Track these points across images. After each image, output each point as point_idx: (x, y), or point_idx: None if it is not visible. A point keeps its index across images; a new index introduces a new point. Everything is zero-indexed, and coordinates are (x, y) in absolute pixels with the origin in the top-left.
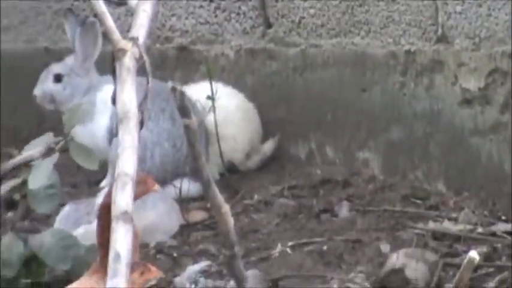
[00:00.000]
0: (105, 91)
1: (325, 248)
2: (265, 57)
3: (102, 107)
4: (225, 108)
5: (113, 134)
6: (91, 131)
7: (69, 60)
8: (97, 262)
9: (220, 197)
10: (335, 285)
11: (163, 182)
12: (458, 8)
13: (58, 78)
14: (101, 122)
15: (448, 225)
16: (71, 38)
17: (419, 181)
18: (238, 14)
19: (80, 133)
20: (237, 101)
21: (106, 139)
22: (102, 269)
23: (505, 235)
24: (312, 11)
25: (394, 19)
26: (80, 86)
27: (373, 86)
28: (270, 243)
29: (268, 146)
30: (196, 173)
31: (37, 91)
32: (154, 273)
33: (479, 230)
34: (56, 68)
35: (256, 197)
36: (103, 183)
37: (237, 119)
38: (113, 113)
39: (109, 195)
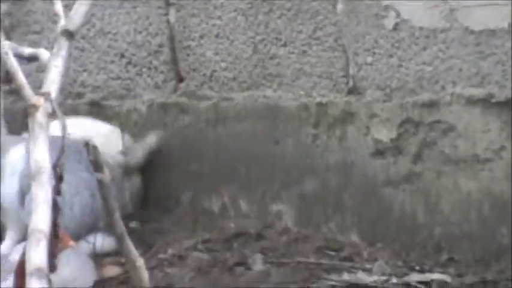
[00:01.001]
0: (13, 153)
1: None
2: (177, 111)
3: (10, 169)
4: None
5: (23, 196)
6: (1, 194)
7: None
8: None
9: (134, 251)
10: None
11: (79, 236)
12: (369, 59)
13: None
14: (11, 185)
15: (362, 277)
16: None
17: (332, 232)
18: (149, 68)
19: None
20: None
21: (17, 202)
22: None
23: (419, 285)
24: (223, 64)
25: (306, 71)
26: None
27: (286, 138)
28: None
29: (151, 139)
30: (110, 228)
31: None
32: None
33: (394, 280)
34: None
35: (170, 251)
36: (2, 247)
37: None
38: (22, 175)
39: (24, 254)
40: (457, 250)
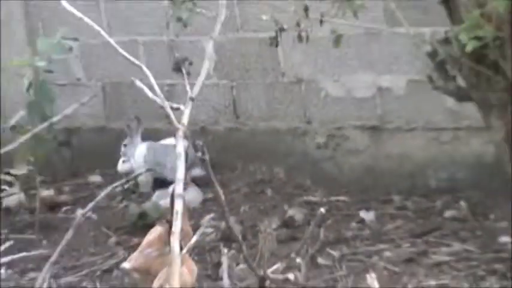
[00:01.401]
0: (140, 147)
1: None
2: None
3: (138, 153)
4: None
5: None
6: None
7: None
8: (170, 216)
9: (218, 186)
10: None
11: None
12: None
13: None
14: (140, 163)
15: None
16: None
17: None
18: None
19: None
20: None
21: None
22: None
23: None
24: None
25: None
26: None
27: None
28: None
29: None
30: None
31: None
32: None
33: None
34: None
35: (233, 187)
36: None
37: None
38: (145, 157)
39: (172, 190)
40: None
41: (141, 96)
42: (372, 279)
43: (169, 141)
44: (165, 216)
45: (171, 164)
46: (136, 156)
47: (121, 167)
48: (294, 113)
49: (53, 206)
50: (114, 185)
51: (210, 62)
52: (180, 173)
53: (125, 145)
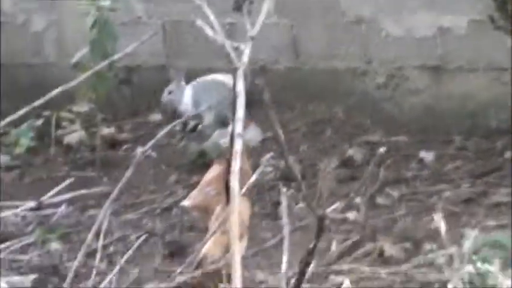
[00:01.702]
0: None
1: None
2: None
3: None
4: None
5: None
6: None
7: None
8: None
9: (277, 126)
10: None
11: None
12: None
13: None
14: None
15: None
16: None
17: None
18: None
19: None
20: None
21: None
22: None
23: None
24: None
25: None
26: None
27: None
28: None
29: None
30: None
31: None
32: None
33: None
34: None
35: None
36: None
37: None
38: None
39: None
40: None
41: (201, 35)
42: (438, 218)
43: (215, 77)
44: (225, 155)
45: (211, 102)
46: (184, 100)
47: (166, 97)
48: (353, 53)
49: (113, 144)
50: (174, 123)
51: (271, 1)
52: (240, 113)
53: (170, 92)
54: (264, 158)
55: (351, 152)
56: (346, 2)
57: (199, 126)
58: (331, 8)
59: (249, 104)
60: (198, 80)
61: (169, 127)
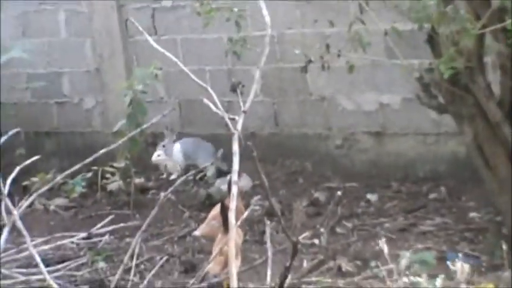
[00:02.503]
0: (177, 144)
1: None
2: None
3: (176, 149)
4: None
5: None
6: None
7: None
8: (227, 198)
9: (263, 177)
10: None
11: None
12: None
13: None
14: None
15: None
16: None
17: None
18: None
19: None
20: None
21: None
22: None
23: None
24: None
25: None
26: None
27: None
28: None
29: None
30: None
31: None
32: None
33: None
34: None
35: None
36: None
37: None
38: (182, 152)
39: (229, 178)
40: None
41: (207, 110)
42: (382, 243)
43: (195, 138)
44: (225, 198)
45: (203, 156)
46: (174, 153)
47: (155, 158)
48: (319, 122)
49: (143, 190)
50: (188, 174)
51: (257, 85)
52: (235, 166)
53: (164, 146)
54: (253, 199)
55: (317, 194)
56: (313, 85)
57: (206, 177)
58: (302, 89)
59: (242, 160)
60: (184, 139)
61: (183, 178)
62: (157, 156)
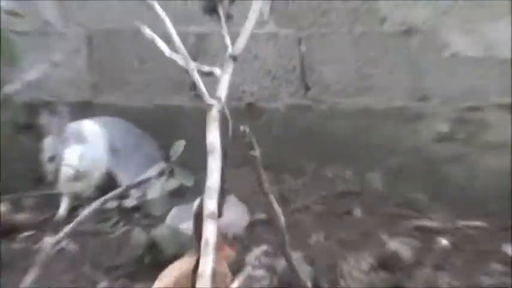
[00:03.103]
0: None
1: (345, 237)
2: (305, 110)
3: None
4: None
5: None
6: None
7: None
8: (193, 248)
9: (275, 204)
10: (352, 263)
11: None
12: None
13: None
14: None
15: (427, 222)
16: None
17: (413, 194)
18: (287, 81)
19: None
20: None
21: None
22: (197, 252)
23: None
24: (335, 79)
25: (393, 83)
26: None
27: (377, 129)
28: (308, 234)
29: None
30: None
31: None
32: (229, 253)
33: (459, 224)
34: None
35: (299, 203)
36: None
37: None
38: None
39: (199, 206)
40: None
41: (151, 54)
42: None
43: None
44: (188, 249)
45: (135, 160)
46: (87, 146)
47: (48, 160)
48: (397, 83)
49: (11, 229)
50: (104, 197)
51: (264, 2)
52: (214, 178)
53: (57, 133)
54: (252, 253)
55: (393, 245)
56: (388, 4)
57: (144, 202)
58: (366, 12)
59: (227, 163)
60: (102, 119)
61: (97, 203)
62: (50, 158)
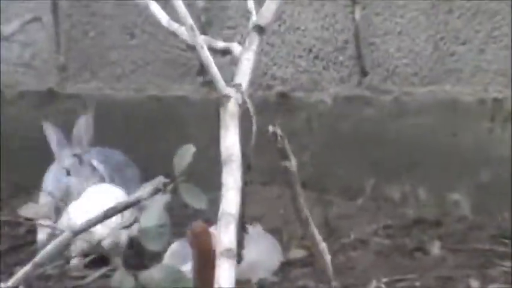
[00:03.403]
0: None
1: (417, 284)
2: (361, 104)
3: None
4: None
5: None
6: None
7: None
8: None
9: (318, 235)
10: None
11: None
12: None
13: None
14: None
15: None
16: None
17: (506, 221)
18: (335, 63)
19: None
20: None
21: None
22: None
23: None
24: (405, 60)
25: (483, 68)
26: None
27: (463, 131)
28: (365, 279)
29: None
30: (296, 212)
31: None
32: None
33: None
34: None
35: (352, 235)
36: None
37: None
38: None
39: (196, 236)
40: None
41: (142, 23)
42: None
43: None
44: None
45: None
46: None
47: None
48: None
49: None
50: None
51: None
52: (231, 201)
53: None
54: None
55: None
56: None
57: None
58: None
59: (250, 178)
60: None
61: (64, 235)
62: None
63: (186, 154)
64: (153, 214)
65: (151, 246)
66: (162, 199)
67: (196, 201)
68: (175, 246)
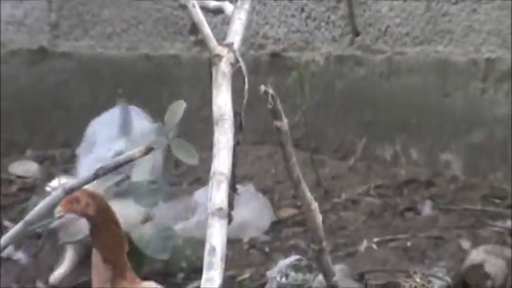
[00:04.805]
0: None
1: (409, 244)
2: (353, 64)
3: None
4: None
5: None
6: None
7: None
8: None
9: (309, 195)
10: (418, 279)
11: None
12: None
13: None
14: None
15: None
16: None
17: (498, 181)
18: (327, 23)
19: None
20: None
21: None
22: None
23: None
24: (397, 20)
25: (475, 28)
26: None
27: (455, 91)
28: (356, 239)
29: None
30: (287, 172)
31: None
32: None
33: None
34: None
35: (343, 195)
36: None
37: None
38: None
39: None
40: None
41: None
42: None
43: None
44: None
45: None
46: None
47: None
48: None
49: None
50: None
51: None
52: (223, 160)
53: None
54: (276, 266)
55: (477, 256)
56: None
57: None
58: None
59: (242, 138)
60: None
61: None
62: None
63: (177, 110)
64: (144, 170)
65: (144, 203)
66: (154, 156)
67: (189, 157)
68: (162, 209)
